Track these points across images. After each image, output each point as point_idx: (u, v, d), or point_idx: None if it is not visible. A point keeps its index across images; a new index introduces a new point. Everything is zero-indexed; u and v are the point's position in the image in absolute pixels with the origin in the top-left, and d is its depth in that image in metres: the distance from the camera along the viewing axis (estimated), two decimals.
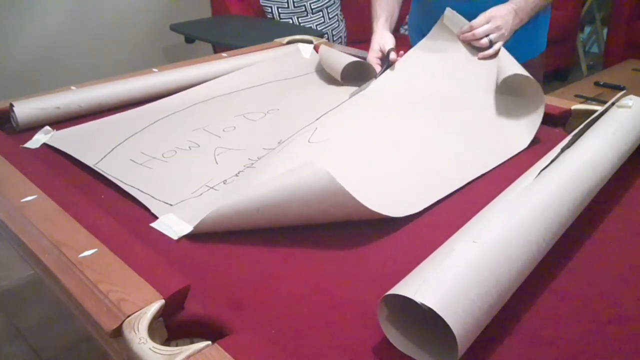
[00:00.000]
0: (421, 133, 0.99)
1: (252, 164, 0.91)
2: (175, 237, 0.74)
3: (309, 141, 0.93)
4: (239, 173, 0.88)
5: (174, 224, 0.76)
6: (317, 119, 1.01)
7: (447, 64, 1.16)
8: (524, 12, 1.16)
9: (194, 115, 1.11)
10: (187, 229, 0.75)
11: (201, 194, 0.83)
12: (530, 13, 1.17)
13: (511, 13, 1.14)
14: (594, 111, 0.90)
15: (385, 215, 0.73)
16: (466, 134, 1.00)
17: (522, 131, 0.99)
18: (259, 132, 1.02)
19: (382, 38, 1.24)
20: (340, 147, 0.92)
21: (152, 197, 0.82)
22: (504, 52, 1.10)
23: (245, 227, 0.74)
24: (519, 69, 1.01)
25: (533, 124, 0.98)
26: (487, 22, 1.13)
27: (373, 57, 1.24)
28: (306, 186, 0.69)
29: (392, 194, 0.82)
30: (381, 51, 1.23)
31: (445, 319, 0.49)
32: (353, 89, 1.19)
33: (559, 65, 3.42)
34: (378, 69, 1.22)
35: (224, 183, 0.86)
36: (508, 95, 1.04)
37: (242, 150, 0.94)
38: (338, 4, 2.78)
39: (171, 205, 0.80)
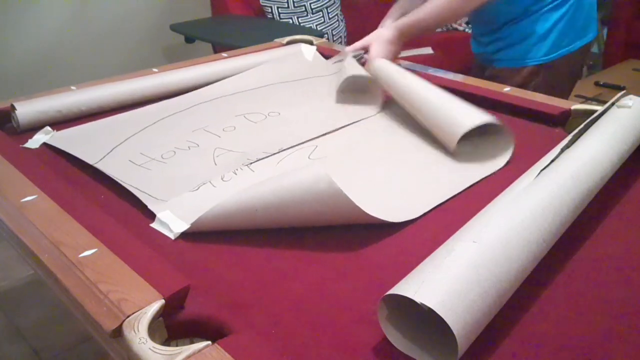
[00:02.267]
0: (420, 147, 0.99)
1: (251, 163, 0.91)
2: (172, 237, 0.74)
3: (309, 157, 0.94)
4: (237, 170, 0.89)
5: (170, 222, 0.76)
6: (317, 138, 1.02)
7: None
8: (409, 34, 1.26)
9: (195, 114, 1.12)
10: (183, 226, 0.75)
11: (198, 188, 0.83)
12: (421, 31, 1.26)
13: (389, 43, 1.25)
14: (594, 111, 0.90)
15: (383, 220, 0.74)
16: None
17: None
18: (258, 135, 1.02)
19: (373, 34, 1.31)
20: (340, 162, 0.93)
21: (150, 195, 0.82)
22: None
23: (243, 226, 0.74)
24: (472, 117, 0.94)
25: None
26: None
27: (350, 48, 1.34)
28: (305, 187, 0.69)
29: (391, 200, 0.82)
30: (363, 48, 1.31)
31: (445, 319, 0.49)
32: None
33: None
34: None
35: (222, 179, 0.86)
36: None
37: (241, 153, 0.95)
38: (338, 4, 2.78)
39: (168, 202, 0.80)
